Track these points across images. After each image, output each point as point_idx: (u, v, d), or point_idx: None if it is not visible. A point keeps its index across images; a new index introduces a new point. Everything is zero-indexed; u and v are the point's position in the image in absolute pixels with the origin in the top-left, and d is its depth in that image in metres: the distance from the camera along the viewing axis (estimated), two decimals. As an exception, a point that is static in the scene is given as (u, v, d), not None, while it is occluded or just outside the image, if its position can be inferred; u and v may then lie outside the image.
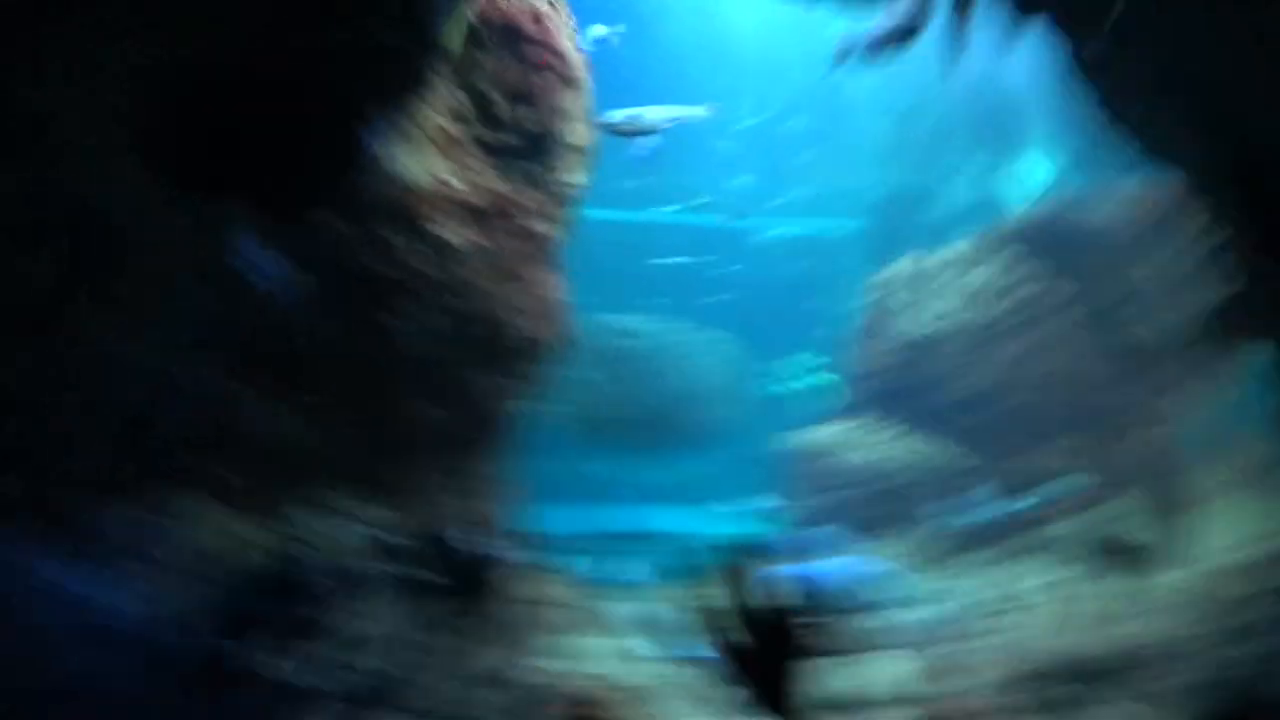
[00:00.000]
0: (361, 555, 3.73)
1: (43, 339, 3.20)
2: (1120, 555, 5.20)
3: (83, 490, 3.22)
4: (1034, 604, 4.96)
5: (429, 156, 4.45)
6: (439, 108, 4.56)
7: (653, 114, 6.16)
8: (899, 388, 7.67)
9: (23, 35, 2.62)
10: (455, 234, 4.42)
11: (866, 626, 4.20)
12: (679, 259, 14.84)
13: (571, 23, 5.38)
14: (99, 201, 3.23)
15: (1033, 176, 11.92)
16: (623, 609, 5.41)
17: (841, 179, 14.56)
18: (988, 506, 6.17)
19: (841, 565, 4.80)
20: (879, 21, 4.36)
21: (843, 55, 4.68)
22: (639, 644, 4.50)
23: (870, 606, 4.57)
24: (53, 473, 3.17)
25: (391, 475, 3.97)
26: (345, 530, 3.66)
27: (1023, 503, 6.07)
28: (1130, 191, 6.70)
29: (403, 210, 4.23)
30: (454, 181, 4.52)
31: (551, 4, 5.15)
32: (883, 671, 3.97)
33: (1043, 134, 11.11)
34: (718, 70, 13.31)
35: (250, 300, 3.81)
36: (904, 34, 4.48)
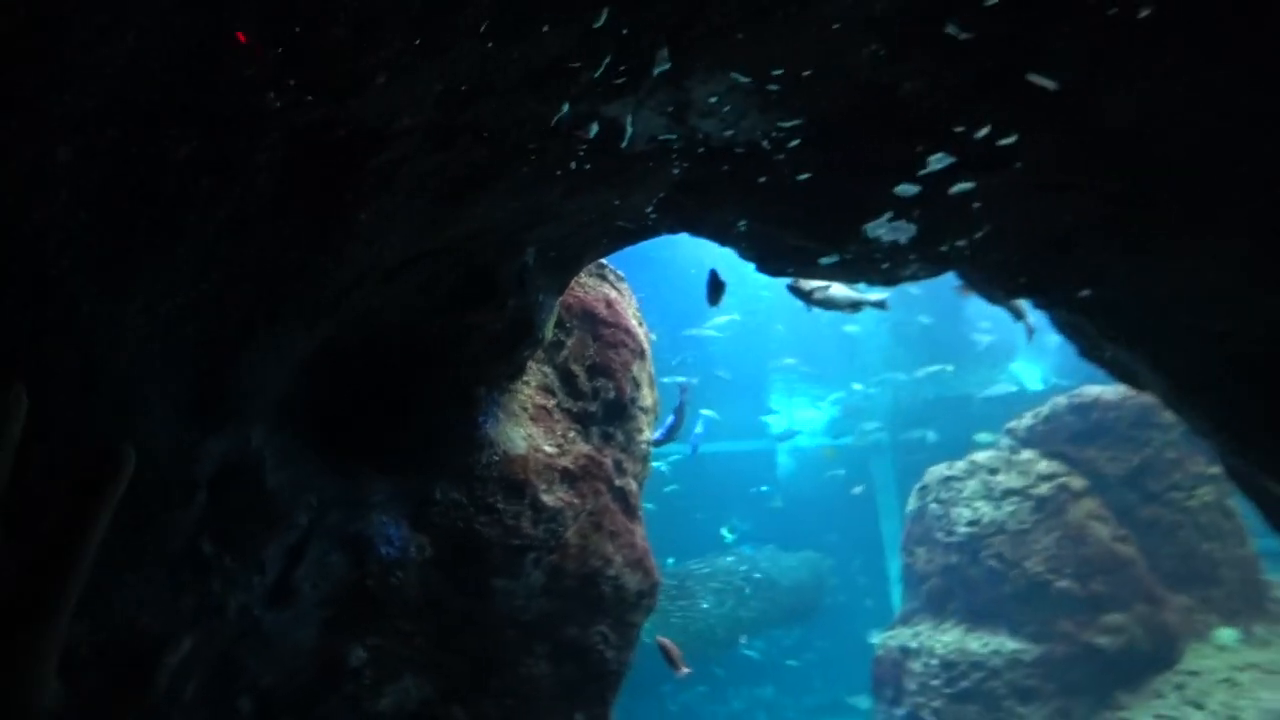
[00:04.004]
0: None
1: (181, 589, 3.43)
2: None
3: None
4: None
5: (525, 427, 5.06)
6: (533, 385, 5.28)
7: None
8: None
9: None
10: (551, 495, 4.89)
11: None
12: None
13: (635, 303, 6.32)
14: (254, 464, 3.56)
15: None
16: None
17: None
18: None
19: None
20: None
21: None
22: None
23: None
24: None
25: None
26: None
27: None
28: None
29: (506, 478, 4.74)
30: (547, 448, 5.08)
31: (618, 290, 6.11)
32: None
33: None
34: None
35: (376, 564, 4.19)
36: None
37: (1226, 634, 7.65)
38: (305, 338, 3.30)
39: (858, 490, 15.68)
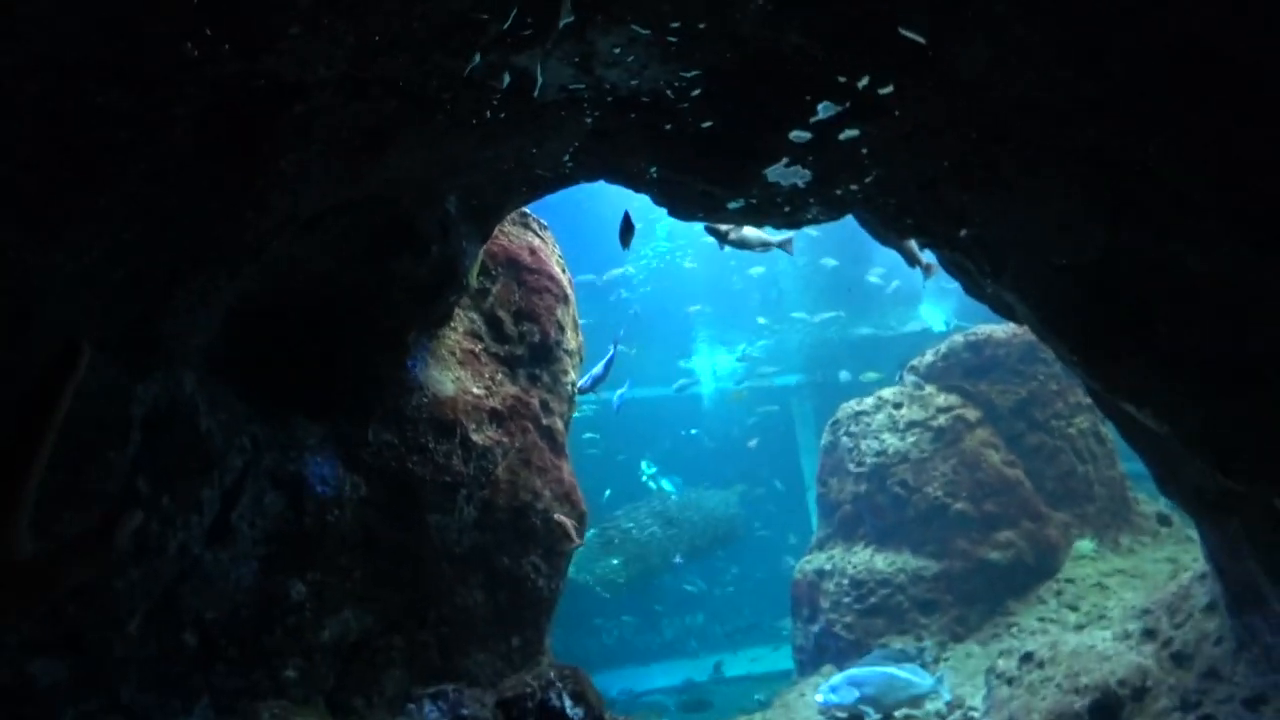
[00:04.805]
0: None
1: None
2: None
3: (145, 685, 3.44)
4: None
5: (454, 370, 5.24)
6: (460, 330, 5.43)
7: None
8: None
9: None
10: (481, 434, 5.11)
11: None
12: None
13: (558, 251, 6.48)
14: (188, 409, 3.64)
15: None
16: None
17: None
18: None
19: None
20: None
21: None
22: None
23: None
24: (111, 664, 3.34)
25: (447, 659, 4.34)
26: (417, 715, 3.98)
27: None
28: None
29: (436, 419, 4.92)
30: (475, 389, 5.28)
31: (542, 238, 6.26)
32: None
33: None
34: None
35: (312, 503, 4.34)
36: None
37: (1085, 545, 8.62)
38: (230, 284, 3.39)
39: (752, 444, 16.33)
